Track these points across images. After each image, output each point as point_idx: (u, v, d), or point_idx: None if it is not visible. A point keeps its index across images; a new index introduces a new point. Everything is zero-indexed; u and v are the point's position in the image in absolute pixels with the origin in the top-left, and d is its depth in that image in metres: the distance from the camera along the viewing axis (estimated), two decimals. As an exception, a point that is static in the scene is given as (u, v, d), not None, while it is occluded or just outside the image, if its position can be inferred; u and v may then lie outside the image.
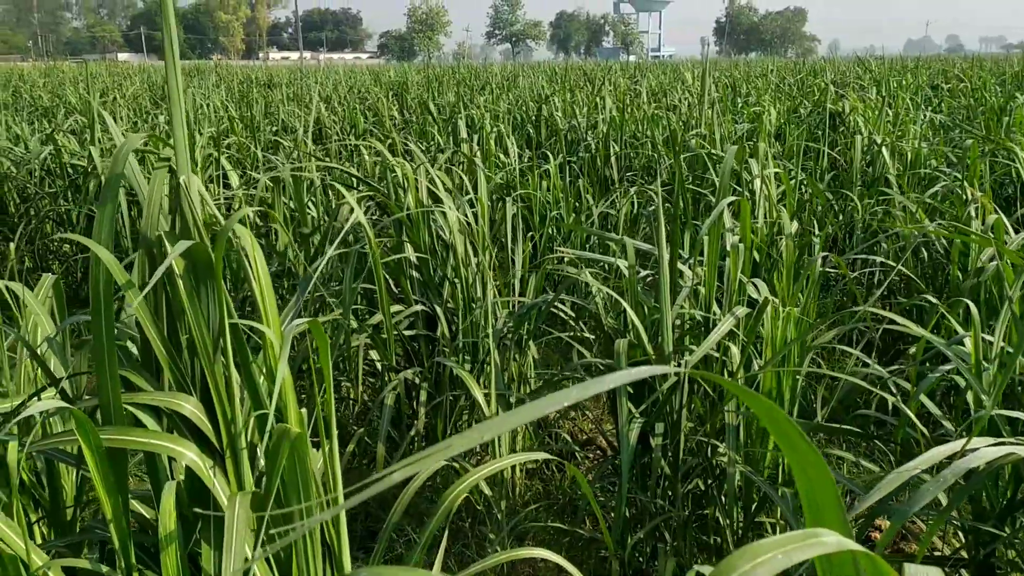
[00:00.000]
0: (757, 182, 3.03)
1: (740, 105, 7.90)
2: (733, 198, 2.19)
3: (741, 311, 2.04)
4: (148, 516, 1.38)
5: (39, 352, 1.91)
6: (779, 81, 10.81)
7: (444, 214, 3.02)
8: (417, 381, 2.83)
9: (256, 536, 1.16)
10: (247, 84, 12.76)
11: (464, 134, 5.11)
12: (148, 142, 1.26)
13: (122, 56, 64.53)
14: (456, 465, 2.36)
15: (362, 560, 2.33)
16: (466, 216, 3.05)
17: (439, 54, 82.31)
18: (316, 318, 1.32)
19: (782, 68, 15.38)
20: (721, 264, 2.27)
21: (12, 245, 2.76)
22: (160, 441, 1.18)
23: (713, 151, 4.44)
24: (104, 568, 1.18)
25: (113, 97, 9.72)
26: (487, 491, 2.30)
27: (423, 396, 2.79)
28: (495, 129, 5.77)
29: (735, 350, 2.11)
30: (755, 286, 2.22)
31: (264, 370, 1.35)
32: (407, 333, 2.96)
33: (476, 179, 3.34)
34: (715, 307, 2.20)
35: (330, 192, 4.19)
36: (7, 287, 1.78)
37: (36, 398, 1.31)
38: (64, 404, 1.13)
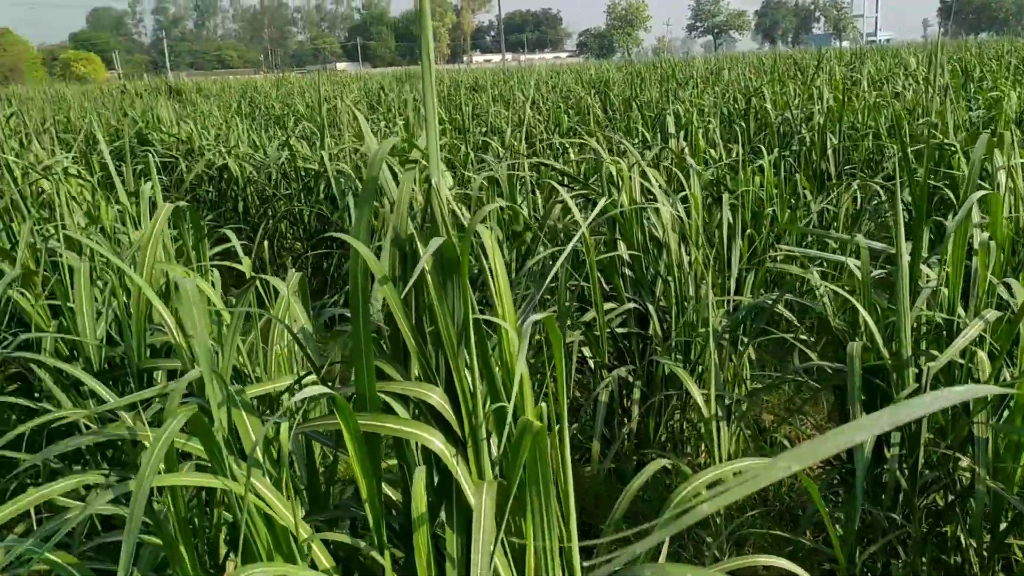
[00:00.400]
0: (1002, 174, 2.78)
1: (973, 90, 7.28)
2: (983, 191, 2.02)
3: (992, 314, 1.88)
4: (394, 498, 1.46)
5: (287, 341, 2.08)
6: (1019, 62, 9.85)
7: (657, 211, 3.00)
8: (631, 379, 2.83)
9: (498, 526, 1.21)
10: (454, 87, 13.24)
11: (672, 129, 5.04)
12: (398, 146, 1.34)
13: (340, 65, 68.91)
14: (668, 463, 2.34)
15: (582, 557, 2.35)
16: (679, 213, 3.01)
17: (638, 50, 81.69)
18: (547, 313, 1.35)
19: (1022, 48, 14.01)
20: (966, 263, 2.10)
21: (264, 243, 3.02)
22: (412, 428, 1.25)
23: (946, 141, 4.12)
24: (361, 544, 1.27)
25: (335, 105, 10.42)
26: (704, 494, 2.27)
27: (636, 394, 2.79)
28: (703, 124, 5.66)
29: (983, 356, 1.95)
30: (1008, 287, 2.04)
31: (499, 363, 1.40)
32: (619, 331, 2.97)
33: (688, 175, 3.29)
34: (959, 310, 2.04)
35: (537, 191, 4.28)
36: (264, 280, 1.95)
37: (298, 385, 1.43)
38: (327, 390, 1.22)
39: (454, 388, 1.33)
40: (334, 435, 1.48)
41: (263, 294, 2.33)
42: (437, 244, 1.19)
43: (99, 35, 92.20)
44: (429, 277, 1.27)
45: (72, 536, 1.73)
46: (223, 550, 1.85)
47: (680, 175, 3.30)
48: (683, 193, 3.24)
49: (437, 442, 1.26)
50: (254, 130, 7.66)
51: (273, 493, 1.28)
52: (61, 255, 2.75)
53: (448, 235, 1.23)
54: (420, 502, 1.21)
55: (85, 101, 13.87)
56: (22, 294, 2.64)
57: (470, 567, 1.34)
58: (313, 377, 1.45)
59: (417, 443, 1.34)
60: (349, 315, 1.93)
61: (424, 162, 1.29)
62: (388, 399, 1.33)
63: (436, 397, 1.30)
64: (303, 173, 5.59)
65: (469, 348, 1.28)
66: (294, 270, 2.05)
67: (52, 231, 3.16)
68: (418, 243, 1.28)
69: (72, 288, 2.51)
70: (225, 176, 6.60)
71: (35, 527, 1.94)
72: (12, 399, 2.47)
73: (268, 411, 1.77)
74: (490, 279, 1.39)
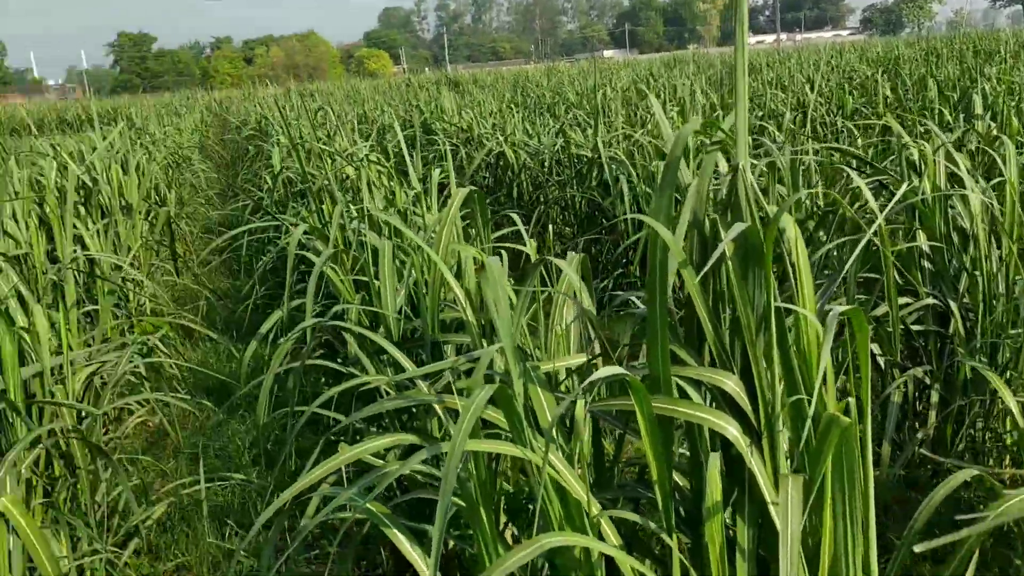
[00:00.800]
0: None
1: None
2: None
3: None
4: (680, 483, 1.46)
5: (565, 322, 2.12)
6: None
7: (964, 199, 2.74)
8: (927, 381, 2.61)
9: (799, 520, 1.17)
10: (725, 71, 12.86)
11: (979, 109, 4.57)
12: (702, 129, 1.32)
13: (607, 53, 69.50)
14: (970, 475, 2.13)
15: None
16: (990, 201, 2.72)
17: (930, 24, 74.73)
18: (855, 305, 1.27)
19: None
20: None
21: (548, 227, 3.12)
22: (706, 415, 1.24)
23: None
24: (652, 524, 1.28)
25: (604, 92, 10.52)
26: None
27: (934, 397, 2.57)
28: (1014, 102, 5.06)
29: None
30: None
31: (798, 354, 1.34)
32: (914, 328, 2.74)
33: (1006, 158, 2.96)
34: None
35: (817, 177, 4.05)
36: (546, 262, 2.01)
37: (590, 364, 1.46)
38: (621, 371, 1.24)
39: (750, 376, 1.30)
40: (623, 416, 1.50)
41: (545, 276, 2.41)
42: (741, 229, 1.17)
43: (388, 33, 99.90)
44: (729, 262, 1.24)
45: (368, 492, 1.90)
46: (503, 519, 1.94)
47: (998, 158, 2.98)
48: (995, 181, 2.92)
49: (732, 430, 1.23)
50: (527, 119, 7.92)
51: (566, 467, 1.32)
52: (364, 235, 3.01)
53: (753, 220, 1.20)
54: (714, 489, 1.19)
55: (376, 94, 15.08)
56: (333, 270, 2.93)
57: (761, 561, 1.30)
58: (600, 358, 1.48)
59: (709, 430, 1.32)
60: (626, 299, 1.95)
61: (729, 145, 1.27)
62: (681, 383, 1.33)
63: (732, 384, 1.27)
64: (575, 160, 5.70)
65: (769, 337, 1.24)
66: (573, 252, 2.09)
67: (356, 213, 3.47)
68: (720, 227, 1.26)
69: (375, 265, 2.75)
70: (501, 163, 6.89)
71: (344, 482, 2.15)
72: (323, 363, 2.76)
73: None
74: (790, 268, 1.34)
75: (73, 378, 2.58)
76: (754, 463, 1.26)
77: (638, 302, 1.82)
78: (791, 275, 1.33)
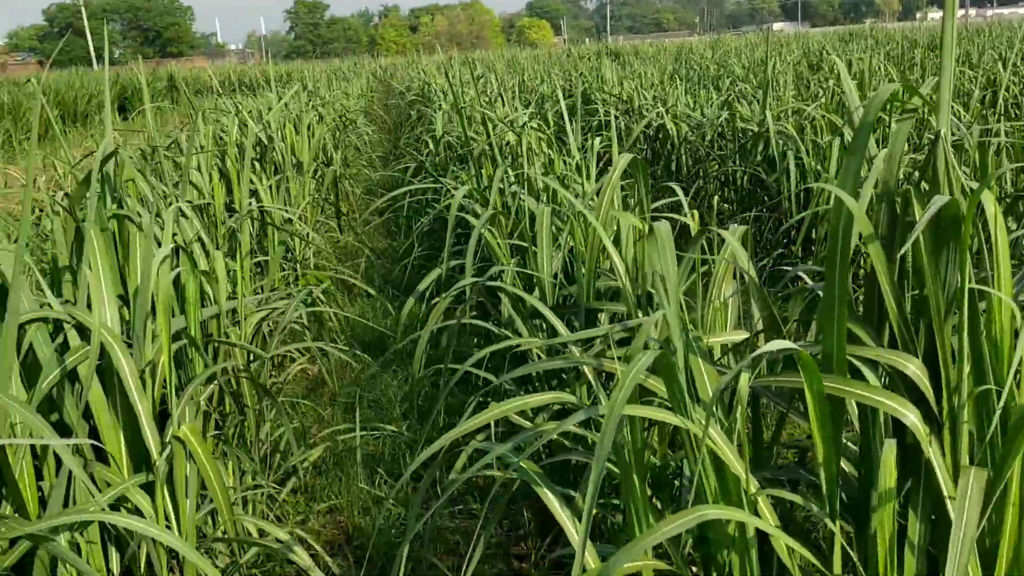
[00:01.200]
0: None
1: None
2: None
3: None
4: (845, 469, 1.39)
5: (723, 296, 2.05)
6: None
7: None
8: None
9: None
10: (908, 47, 12.07)
11: None
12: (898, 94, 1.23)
13: (777, 25, 66.74)
14: None
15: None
16: None
17: None
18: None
19: None
20: None
21: (714, 199, 3.03)
22: (883, 398, 1.17)
23: None
24: (814, 508, 1.22)
25: (773, 64, 10.09)
26: None
27: None
28: None
29: None
30: None
31: (987, 341, 1.24)
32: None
33: None
34: None
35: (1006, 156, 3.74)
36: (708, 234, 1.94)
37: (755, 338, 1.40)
38: (792, 346, 1.18)
39: (934, 361, 1.21)
40: (787, 395, 1.44)
41: (704, 248, 2.34)
42: (940, 204, 1.08)
43: (551, 3, 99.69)
44: (921, 237, 1.15)
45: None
46: (647, 491, 1.91)
47: None
48: None
49: (912, 416, 1.15)
50: (689, 91, 7.72)
51: (724, 441, 1.28)
52: (523, 199, 3.02)
53: (952, 192, 1.11)
54: (888, 477, 1.12)
55: (536, 64, 15.11)
56: (490, 232, 2.96)
57: (931, 559, 1.22)
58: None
59: (884, 415, 1.24)
60: (786, 279, 1.86)
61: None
62: (856, 363, 1.25)
63: (914, 368, 1.19)
64: (740, 134, 5.51)
65: (959, 320, 1.15)
66: (735, 225, 2.01)
67: (515, 178, 3.49)
68: (913, 200, 1.17)
69: (532, 230, 2.76)
70: (660, 135, 6.76)
71: (493, 440, 2.18)
72: (477, 323, 2.80)
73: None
74: (985, 249, 1.23)
75: (245, 322, 2.74)
76: (932, 453, 1.17)
77: (806, 278, 1.73)
78: (986, 256, 1.23)
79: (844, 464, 1.42)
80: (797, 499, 1.24)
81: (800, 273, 1.84)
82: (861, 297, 1.39)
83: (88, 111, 18.42)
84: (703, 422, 1.28)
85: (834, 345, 1.21)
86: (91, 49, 45.96)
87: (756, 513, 1.26)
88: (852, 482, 1.39)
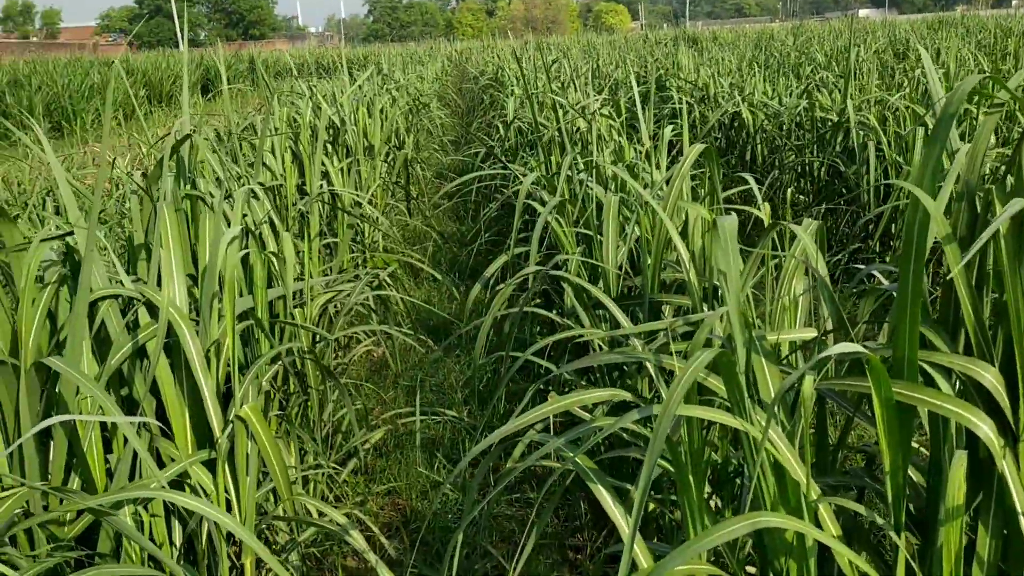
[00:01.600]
0: None
1: None
2: None
3: None
4: (913, 478, 1.33)
5: (792, 293, 1.99)
6: None
7: None
8: None
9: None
10: (1000, 35, 11.55)
11: None
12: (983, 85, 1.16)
13: (863, 12, 64.69)
14: None
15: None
16: None
17: None
18: None
19: None
20: None
21: (788, 191, 2.94)
22: (956, 407, 1.11)
23: None
24: (879, 519, 1.17)
25: (857, 52, 9.77)
26: None
27: None
28: None
29: None
30: None
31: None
32: None
33: None
34: None
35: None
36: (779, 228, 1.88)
37: (823, 339, 1.35)
38: (859, 348, 1.13)
39: (1012, 371, 1.15)
40: (854, 399, 1.38)
41: (776, 243, 2.28)
42: (1019, 206, 1.02)
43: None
44: (1003, 241, 1.09)
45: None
46: (706, 488, 1.87)
47: None
48: None
49: (985, 428, 1.09)
50: (768, 79, 7.53)
51: (786, 445, 1.24)
52: (591, 188, 2.99)
53: (1039, 193, 1.04)
54: (957, 491, 1.07)
55: (612, 49, 14.95)
56: (556, 220, 2.94)
57: (1001, 574, 1.17)
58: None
59: (956, 424, 1.18)
60: (861, 275, 1.79)
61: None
62: (929, 369, 1.20)
63: (990, 377, 1.13)
64: (819, 123, 5.36)
65: (1042, 328, 1.09)
66: (808, 219, 1.95)
67: (584, 166, 3.45)
68: (995, 200, 1.11)
69: (599, 219, 2.72)
70: (735, 124, 6.62)
71: (551, 430, 2.17)
72: (540, 311, 2.78)
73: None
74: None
75: (312, 303, 2.78)
76: (1006, 467, 1.11)
77: (880, 277, 1.67)
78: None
79: (912, 473, 1.36)
80: (860, 509, 1.20)
81: (875, 271, 1.77)
82: (938, 299, 1.33)
83: (173, 91, 18.97)
84: (763, 424, 1.24)
85: (905, 349, 1.16)
86: (178, 31, 47.24)
87: (817, 521, 1.22)
88: (920, 492, 1.33)
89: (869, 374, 1.14)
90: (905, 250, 1.14)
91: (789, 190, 5.24)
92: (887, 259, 4.32)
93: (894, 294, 1.55)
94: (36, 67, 17.71)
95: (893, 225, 4.20)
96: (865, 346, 1.35)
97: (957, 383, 1.23)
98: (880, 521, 1.16)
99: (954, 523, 1.07)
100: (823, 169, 5.09)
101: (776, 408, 1.32)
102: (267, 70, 17.98)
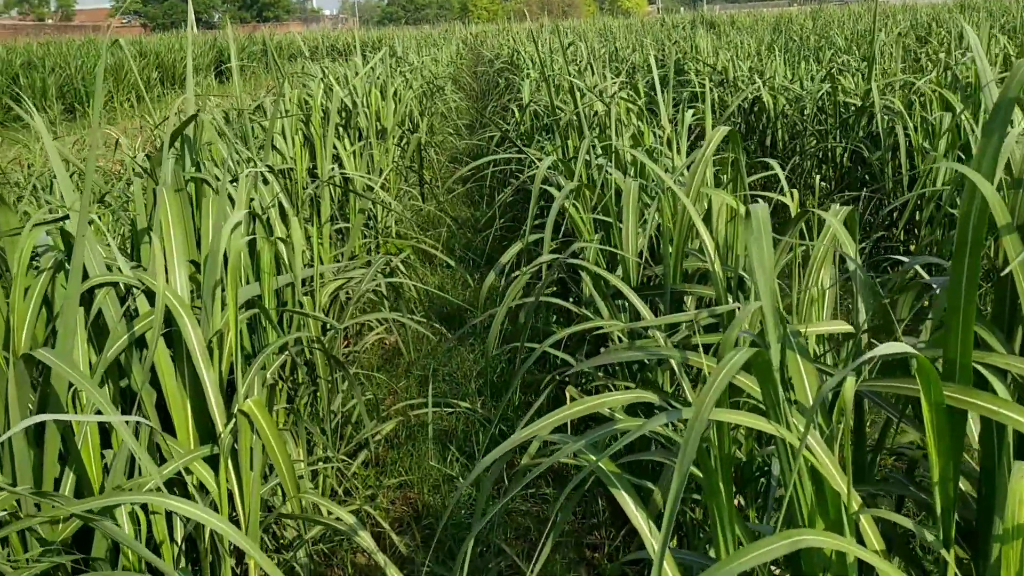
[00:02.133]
0: None
1: None
2: None
3: None
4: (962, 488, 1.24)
5: (820, 284, 1.89)
6: None
7: None
8: None
9: None
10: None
11: None
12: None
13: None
14: None
15: None
16: None
17: None
18: None
19: None
20: None
21: (816, 177, 2.84)
22: (1012, 412, 1.02)
23: None
24: (928, 536, 1.08)
25: (871, 39, 9.58)
26: None
27: None
28: None
29: None
30: None
31: None
32: None
33: None
34: None
35: None
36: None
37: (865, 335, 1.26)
38: (908, 349, 1.04)
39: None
40: (899, 401, 1.29)
41: (803, 231, 2.18)
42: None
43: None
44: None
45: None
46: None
47: None
48: None
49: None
50: (787, 63, 7.39)
51: (825, 452, 1.15)
52: (609, 172, 2.89)
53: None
54: (1018, 506, 0.97)
55: (628, 33, 14.78)
56: (574, 206, 2.84)
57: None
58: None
59: (1014, 431, 1.09)
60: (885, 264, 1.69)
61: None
62: (982, 370, 1.10)
63: (1052, 382, 1.04)
64: (841, 108, 5.22)
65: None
66: (836, 205, 1.84)
67: (602, 150, 3.35)
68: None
69: (618, 205, 2.62)
70: (756, 109, 6.48)
71: (568, 428, 2.08)
72: (556, 301, 2.69)
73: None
74: None
75: (321, 291, 2.70)
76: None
77: (921, 271, 1.56)
78: None
79: (962, 482, 1.27)
80: (907, 523, 1.10)
81: (917, 266, 1.67)
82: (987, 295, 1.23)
83: (186, 73, 18.90)
84: (800, 429, 1.15)
85: (958, 350, 1.07)
86: (191, 13, 47.19)
87: (858, 535, 1.13)
88: (968, 501, 1.24)
89: (918, 376, 1.05)
90: (959, 242, 1.05)
91: (817, 176, 5.13)
92: (911, 248, 4.20)
93: (935, 288, 1.46)
94: (50, 48, 17.69)
95: (918, 213, 4.08)
96: (912, 345, 1.26)
97: (1012, 386, 1.13)
98: (930, 538, 1.07)
99: (1015, 544, 0.98)
100: (845, 155, 4.97)
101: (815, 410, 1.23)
102: (280, 53, 17.87)
